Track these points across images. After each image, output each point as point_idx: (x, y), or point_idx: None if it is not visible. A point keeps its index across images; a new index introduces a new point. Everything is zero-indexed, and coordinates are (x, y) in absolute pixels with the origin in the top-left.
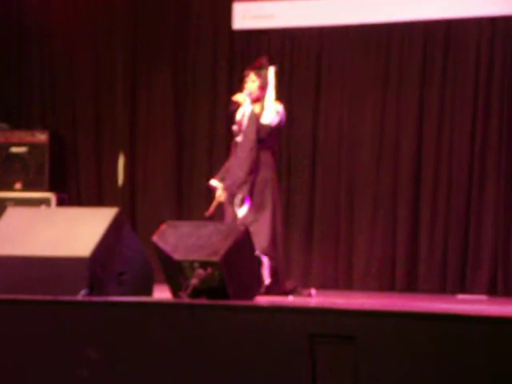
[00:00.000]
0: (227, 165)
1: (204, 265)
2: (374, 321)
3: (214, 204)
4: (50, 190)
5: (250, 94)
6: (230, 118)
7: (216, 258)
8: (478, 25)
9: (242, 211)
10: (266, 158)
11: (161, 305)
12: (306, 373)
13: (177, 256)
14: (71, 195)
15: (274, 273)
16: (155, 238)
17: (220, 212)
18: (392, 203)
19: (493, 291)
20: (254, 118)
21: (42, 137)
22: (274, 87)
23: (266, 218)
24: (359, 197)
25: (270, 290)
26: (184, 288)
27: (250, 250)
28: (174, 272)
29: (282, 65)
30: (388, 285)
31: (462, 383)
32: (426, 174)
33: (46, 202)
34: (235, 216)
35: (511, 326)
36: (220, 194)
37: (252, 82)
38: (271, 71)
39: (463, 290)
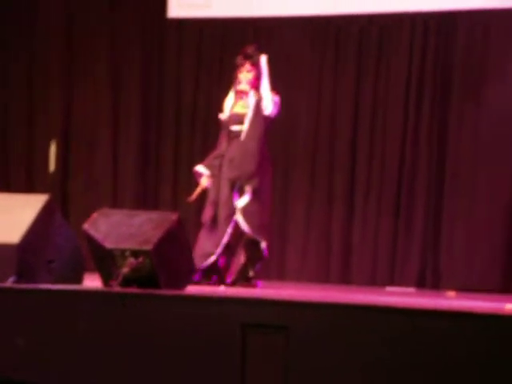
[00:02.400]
0: (216, 153)
1: (135, 253)
2: (306, 311)
3: (198, 190)
4: None
5: (249, 84)
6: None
7: (147, 247)
8: (411, 19)
9: (242, 201)
10: (265, 148)
11: (91, 293)
12: (237, 362)
13: (108, 244)
14: (0, 181)
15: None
16: (86, 226)
17: (203, 197)
18: (327, 198)
19: (421, 284)
20: (261, 109)
21: None
22: (267, 76)
23: (265, 207)
24: (293, 187)
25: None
26: (115, 277)
27: (182, 239)
28: (105, 261)
29: (216, 55)
30: (322, 277)
31: (391, 373)
32: (359, 168)
33: None
34: (230, 200)
35: (433, 318)
36: (205, 181)
37: (248, 72)
38: (264, 60)
39: (393, 283)
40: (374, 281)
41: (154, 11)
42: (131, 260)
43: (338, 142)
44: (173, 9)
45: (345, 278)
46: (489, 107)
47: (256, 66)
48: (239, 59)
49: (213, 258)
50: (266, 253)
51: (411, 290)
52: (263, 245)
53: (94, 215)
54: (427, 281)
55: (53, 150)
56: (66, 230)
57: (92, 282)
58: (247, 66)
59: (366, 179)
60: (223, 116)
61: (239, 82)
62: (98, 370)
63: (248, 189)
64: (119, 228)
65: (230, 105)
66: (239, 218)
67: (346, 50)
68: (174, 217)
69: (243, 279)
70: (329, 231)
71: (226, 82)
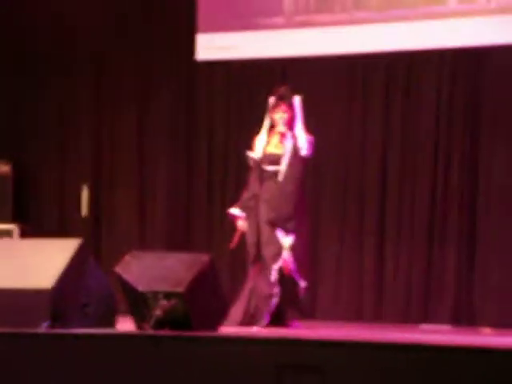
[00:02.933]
0: (249, 193)
1: (168, 296)
2: (340, 351)
3: (238, 234)
4: (13, 221)
5: (286, 125)
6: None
7: (180, 289)
8: (439, 56)
9: (288, 240)
10: (302, 188)
11: (124, 336)
12: None
13: (140, 287)
14: (34, 226)
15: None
16: (119, 269)
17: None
18: (358, 233)
19: (456, 320)
20: (298, 150)
21: (4, 168)
22: (301, 117)
23: (304, 248)
24: (324, 225)
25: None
26: (148, 319)
27: (213, 280)
28: (137, 303)
29: (246, 96)
30: (354, 314)
31: None
32: (390, 203)
33: (9, 233)
34: (275, 239)
35: (469, 356)
36: (242, 224)
37: (283, 113)
38: (297, 101)
39: (427, 320)
40: (408, 318)
41: (183, 53)
42: (164, 302)
43: (367, 179)
44: (201, 51)
45: (377, 316)
46: None
47: (290, 106)
48: (273, 100)
49: (275, 300)
50: (302, 293)
51: (446, 327)
52: (301, 285)
53: (126, 258)
54: (462, 317)
55: (85, 194)
56: (99, 273)
57: (125, 324)
58: (282, 106)
59: (397, 216)
60: (255, 155)
61: (275, 123)
62: None
63: (290, 229)
64: (151, 270)
65: (263, 144)
66: (286, 255)
67: (373, 89)
68: (205, 258)
69: (278, 319)
70: (360, 268)
71: (257, 122)
